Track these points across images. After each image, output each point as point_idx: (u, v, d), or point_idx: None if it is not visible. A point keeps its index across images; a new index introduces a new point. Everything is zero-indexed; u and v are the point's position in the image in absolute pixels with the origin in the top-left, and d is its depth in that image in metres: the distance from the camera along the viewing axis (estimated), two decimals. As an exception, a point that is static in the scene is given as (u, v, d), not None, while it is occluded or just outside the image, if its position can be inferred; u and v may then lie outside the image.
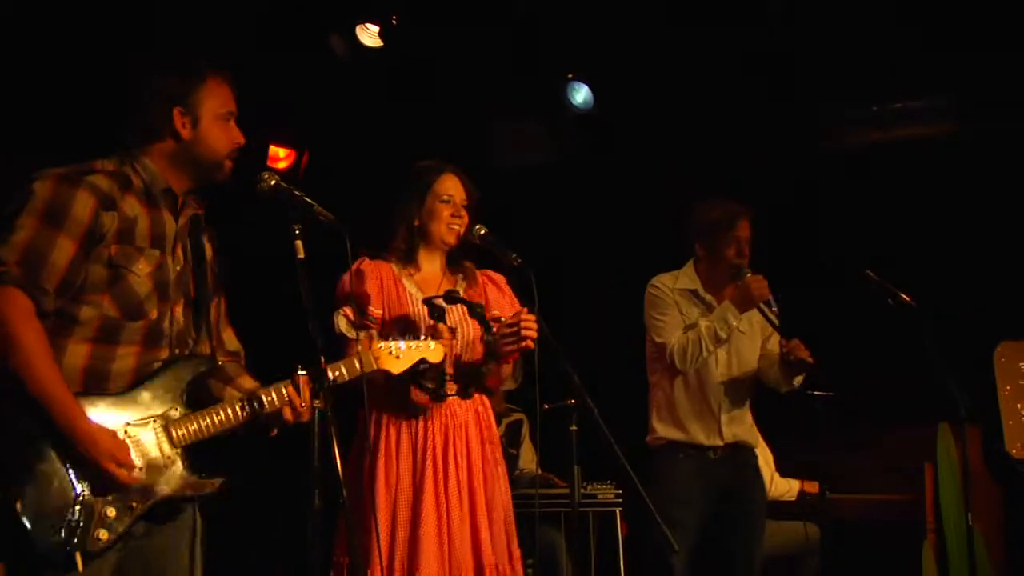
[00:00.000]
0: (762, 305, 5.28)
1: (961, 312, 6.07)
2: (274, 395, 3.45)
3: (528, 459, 6.82)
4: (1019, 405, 5.82)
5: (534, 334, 4.25)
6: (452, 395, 4.32)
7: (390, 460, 4.32)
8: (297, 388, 3.43)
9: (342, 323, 4.35)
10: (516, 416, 6.86)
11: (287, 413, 3.45)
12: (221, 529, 3.87)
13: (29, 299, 3.19)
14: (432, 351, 4.03)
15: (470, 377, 4.40)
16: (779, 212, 5.74)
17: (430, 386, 4.23)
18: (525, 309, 4.32)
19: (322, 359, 3.41)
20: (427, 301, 4.19)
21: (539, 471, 6.34)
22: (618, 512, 6.48)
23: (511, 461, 6.61)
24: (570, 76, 7.39)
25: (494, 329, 4.31)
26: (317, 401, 3.35)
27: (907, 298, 5.16)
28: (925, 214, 6.88)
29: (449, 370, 4.29)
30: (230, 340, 3.73)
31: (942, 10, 6.24)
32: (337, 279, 4.33)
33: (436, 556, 4.20)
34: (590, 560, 6.38)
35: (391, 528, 4.24)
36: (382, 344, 3.97)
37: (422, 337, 4.02)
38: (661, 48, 6.85)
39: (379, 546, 4.15)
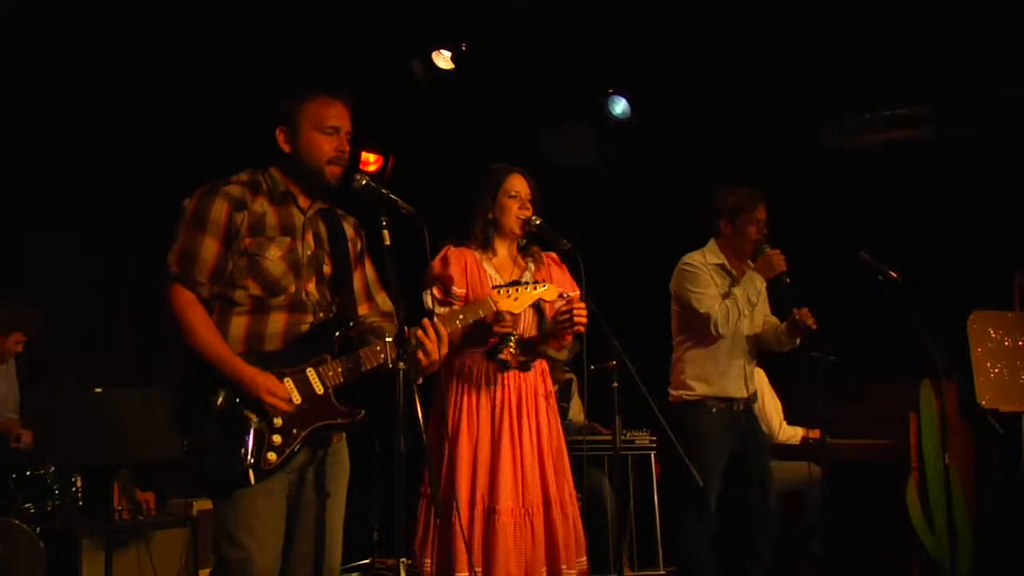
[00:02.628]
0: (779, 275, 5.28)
1: (940, 287, 5.95)
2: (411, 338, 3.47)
3: (576, 411, 6.87)
4: (988, 364, 5.69)
5: (584, 320, 4.23)
6: (515, 367, 4.32)
7: (472, 415, 4.33)
8: (401, 344, 3.37)
9: (429, 300, 4.37)
10: (567, 376, 6.85)
11: (420, 355, 3.46)
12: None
13: (189, 290, 3.40)
14: (547, 291, 4.05)
15: (529, 352, 4.40)
16: (784, 204, 5.63)
17: (500, 358, 4.25)
18: (577, 296, 4.33)
19: (405, 328, 3.38)
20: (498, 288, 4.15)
21: (586, 421, 6.36)
22: (652, 455, 6.56)
23: (563, 413, 6.61)
24: (610, 91, 7.33)
25: (559, 305, 4.28)
26: (401, 363, 3.31)
27: (895, 275, 5.14)
28: (913, 205, 6.76)
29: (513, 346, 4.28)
30: (384, 302, 3.74)
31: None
32: (415, 263, 4.19)
33: (512, 492, 4.25)
34: (629, 495, 6.39)
35: (472, 469, 4.27)
36: (500, 289, 3.98)
37: (529, 287, 4.01)
38: (686, 68, 6.81)
39: (457, 483, 4.20)
